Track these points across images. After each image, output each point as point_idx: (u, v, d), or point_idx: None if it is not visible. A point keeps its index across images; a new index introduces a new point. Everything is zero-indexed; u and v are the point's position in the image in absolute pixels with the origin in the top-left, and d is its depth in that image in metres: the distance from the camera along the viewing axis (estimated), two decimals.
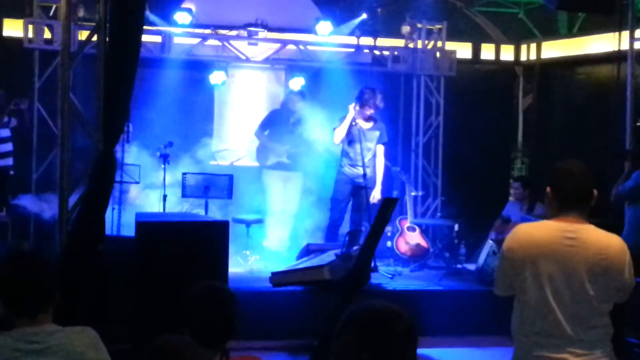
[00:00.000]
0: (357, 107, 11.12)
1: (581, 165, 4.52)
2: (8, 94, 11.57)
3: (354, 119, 11.07)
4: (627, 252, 4.41)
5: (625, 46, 11.51)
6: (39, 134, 12.09)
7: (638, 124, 11.17)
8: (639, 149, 10.08)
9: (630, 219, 9.30)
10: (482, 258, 11.12)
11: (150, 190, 11.95)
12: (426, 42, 13.73)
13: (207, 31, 13.14)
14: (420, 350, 2.78)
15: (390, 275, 10.71)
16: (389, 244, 12.46)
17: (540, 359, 4.35)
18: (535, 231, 4.50)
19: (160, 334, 3.26)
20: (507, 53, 15.02)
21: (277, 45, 13.30)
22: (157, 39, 12.69)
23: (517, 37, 15.01)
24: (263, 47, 13.36)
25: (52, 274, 4.09)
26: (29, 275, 4.00)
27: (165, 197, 11.25)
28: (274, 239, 12.45)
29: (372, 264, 10.31)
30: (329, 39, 13.14)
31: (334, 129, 11.32)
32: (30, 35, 11.77)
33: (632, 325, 8.85)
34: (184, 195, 11.60)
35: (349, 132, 11.15)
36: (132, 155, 11.54)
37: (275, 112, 12.96)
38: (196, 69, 13.16)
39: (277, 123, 12.57)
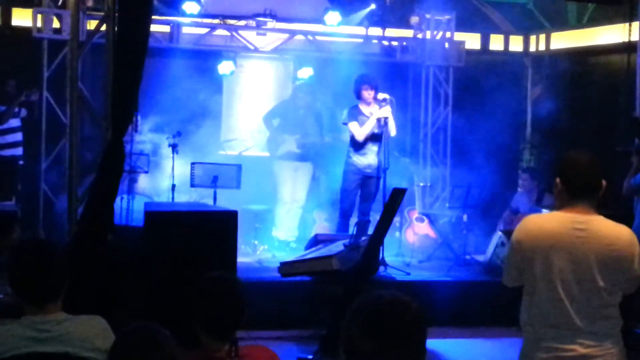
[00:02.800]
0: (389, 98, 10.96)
1: (590, 155, 4.51)
2: (18, 84, 11.59)
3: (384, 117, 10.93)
4: (636, 244, 4.40)
5: (635, 37, 11.47)
6: (48, 123, 12.10)
7: (636, 115, 11.09)
8: None
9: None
10: (490, 249, 11.12)
11: (159, 180, 11.96)
12: (435, 32, 13.71)
13: (216, 21, 13.14)
14: (428, 342, 2.78)
15: (406, 273, 10.61)
16: (397, 234, 12.46)
17: (550, 350, 4.35)
18: (545, 222, 4.49)
19: (170, 322, 3.27)
20: (516, 44, 15.00)
21: (286, 36, 13.30)
22: (166, 28, 12.70)
23: (526, 28, 14.97)
24: (271, 37, 13.35)
25: (61, 262, 4.12)
26: (38, 264, 4.02)
27: (174, 186, 11.26)
28: (282, 229, 12.46)
29: (381, 260, 10.32)
30: (337, 29, 13.13)
31: (345, 123, 11.18)
32: (39, 24, 11.77)
33: None
34: (192, 185, 11.60)
35: (375, 126, 11.01)
36: (141, 144, 11.55)
37: (285, 103, 12.96)
38: (205, 58, 13.16)
39: (287, 114, 12.57)
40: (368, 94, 10.99)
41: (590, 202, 4.43)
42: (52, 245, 4.24)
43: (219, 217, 8.82)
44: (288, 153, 12.38)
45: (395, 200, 9.16)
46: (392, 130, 11.00)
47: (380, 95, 10.91)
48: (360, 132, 11.00)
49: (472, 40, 14.44)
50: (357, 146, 11.20)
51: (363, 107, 11.06)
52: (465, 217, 12.20)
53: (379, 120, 10.89)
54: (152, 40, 9.79)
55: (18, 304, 4.09)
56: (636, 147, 9.89)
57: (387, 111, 10.84)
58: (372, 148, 11.09)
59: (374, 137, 11.06)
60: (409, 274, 10.57)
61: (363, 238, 9.79)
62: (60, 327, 4.00)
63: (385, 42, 13.83)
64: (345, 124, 11.18)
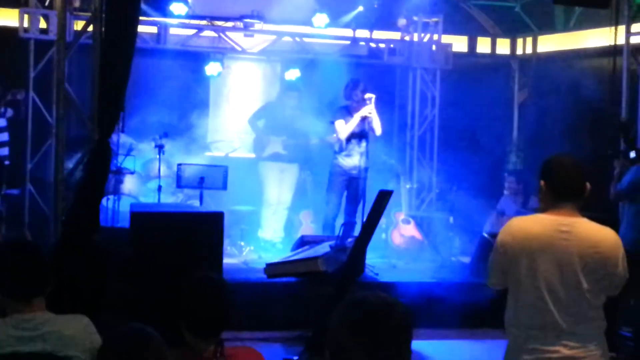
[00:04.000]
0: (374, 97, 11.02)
1: (574, 158, 4.55)
2: (4, 84, 11.56)
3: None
4: (620, 246, 4.43)
5: (621, 40, 11.50)
6: (34, 123, 12.05)
7: (622, 120, 11.11)
8: (629, 144, 10.02)
9: (628, 216, 9.25)
10: (475, 250, 11.14)
11: (145, 181, 11.94)
12: (422, 35, 13.73)
13: (203, 22, 13.13)
14: (414, 343, 2.79)
15: (375, 274, 10.63)
16: (383, 236, 12.48)
17: (534, 352, 4.36)
18: (529, 224, 4.51)
19: (156, 323, 3.27)
20: (503, 47, 15.04)
21: (273, 37, 13.30)
22: (153, 29, 12.68)
23: (514, 31, 15.00)
24: (259, 39, 13.35)
25: (44, 259, 4.14)
26: (21, 260, 4.05)
27: (160, 187, 11.24)
28: (268, 230, 12.46)
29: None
30: (325, 31, 13.14)
31: (332, 122, 11.26)
32: (25, 24, 11.75)
33: (625, 318, 8.89)
34: (178, 186, 11.59)
35: (357, 125, 11.06)
36: (127, 145, 11.53)
37: (271, 104, 12.96)
38: (192, 60, 13.15)
39: (273, 115, 12.57)
40: (357, 95, 11.06)
41: (574, 204, 4.46)
42: (34, 244, 4.28)
43: (205, 218, 8.81)
44: (274, 154, 12.38)
45: (382, 202, 9.17)
46: (377, 129, 11.05)
47: (366, 95, 10.97)
48: (343, 129, 11.07)
49: (459, 43, 14.47)
50: (343, 147, 11.22)
51: (352, 108, 11.10)
52: (451, 219, 12.23)
53: (362, 119, 10.94)
54: (139, 40, 9.78)
55: (2, 305, 4.10)
56: (622, 151, 9.90)
57: (368, 109, 10.90)
58: (358, 149, 11.11)
59: (360, 138, 11.09)
60: (377, 274, 10.58)
61: (349, 239, 9.80)
62: (44, 326, 4.01)
63: (373, 44, 13.84)
64: (332, 122, 11.22)
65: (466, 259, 11.75)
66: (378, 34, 13.91)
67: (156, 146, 11.52)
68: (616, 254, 4.39)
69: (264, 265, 9.82)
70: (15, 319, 4.00)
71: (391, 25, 13.92)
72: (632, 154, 9.51)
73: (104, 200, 9.30)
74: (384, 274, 10.67)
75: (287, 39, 13.34)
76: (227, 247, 11.04)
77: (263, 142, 12.43)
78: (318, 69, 13.09)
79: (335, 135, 11.31)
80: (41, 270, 4.11)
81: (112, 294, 8.15)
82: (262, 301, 9.50)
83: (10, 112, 11.64)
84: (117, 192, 10.96)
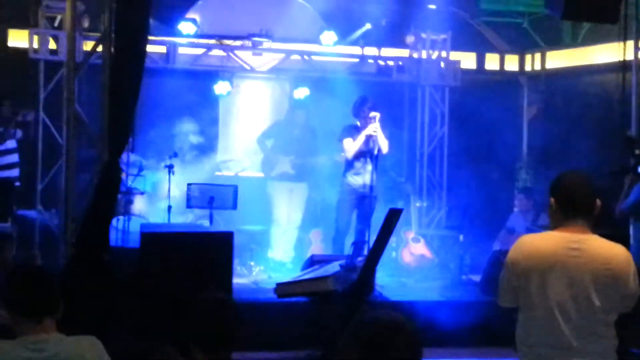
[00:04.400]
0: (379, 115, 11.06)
1: (584, 175, 4.55)
2: (14, 105, 11.59)
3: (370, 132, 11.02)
4: (632, 262, 4.41)
5: (630, 56, 11.50)
6: (44, 144, 12.07)
7: (628, 134, 11.05)
8: (637, 159, 9.96)
9: (636, 233, 9.20)
10: (486, 268, 11.10)
11: (155, 201, 11.95)
12: (430, 52, 13.74)
13: (212, 41, 13.16)
14: None
15: (381, 286, 10.61)
16: (393, 254, 12.45)
17: None
18: (540, 242, 4.50)
19: (165, 343, 3.26)
20: (512, 63, 15.04)
21: (282, 56, 13.32)
22: (162, 49, 12.70)
23: (522, 47, 15.01)
24: (267, 57, 13.37)
25: (54, 286, 4.16)
26: (32, 282, 4.07)
27: (170, 207, 11.25)
28: (278, 249, 12.45)
29: None
30: (333, 49, 13.16)
31: (340, 140, 11.28)
32: (35, 45, 11.78)
33: (636, 336, 8.83)
34: (188, 206, 11.60)
35: (364, 144, 11.09)
36: (137, 164, 11.55)
37: (279, 123, 12.97)
38: (201, 79, 13.17)
39: (281, 134, 12.58)
40: (364, 112, 11.08)
41: (585, 221, 4.44)
42: (42, 268, 4.34)
43: (215, 238, 8.82)
44: (283, 174, 12.38)
45: (392, 221, 9.16)
46: (384, 147, 11.05)
47: (371, 114, 11.00)
48: (350, 148, 11.10)
49: (467, 60, 14.47)
50: (352, 166, 11.24)
51: (360, 126, 11.13)
52: (461, 237, 12.19)
53: (368, 138, 10.96)
54: (148, 60, 9.79)
55: (12, 327, 4.11)
56: (631, 166, 9.85)
57: (373, 127, 10.91)
58: (367, 167, 11.12)
59: (368, 156, 11.09)
60: (382, 286, 10.56)
61: (359, 258, 9.78)
62: (55, 347, 4.02)
63: (381, 62, 13.85)
64: (340, 140, 11.24)
65: (476, 277, 11.71)
66: (386, 52, 13.92)
67: (166, 166, 11.54)
68: (628, 270, 4.37)
69: (274, 285, 9.80)
70: (25, 340, 4.01)
71: (399, 43, 13.93)
72: None
73: (114, 221, 9.29)
74: (394, 293, 10.63)
75: (295, 57, 13.36)
76: (237, 267, 11.02)
77: (272, 162, 12.43)
78: (327, 87, 13.09)
79: (343, 154, 11.32)
80: (50, 291, 4.13)
81: (122, 313, 8.16)
82: (272, 321, 9.46)
83: (19, 134, 11.67)
84: (127, 212, 10.96)
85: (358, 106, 11.22)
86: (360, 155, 11.17)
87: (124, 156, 8.80)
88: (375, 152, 11.02)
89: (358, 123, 11.21)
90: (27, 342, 4.00)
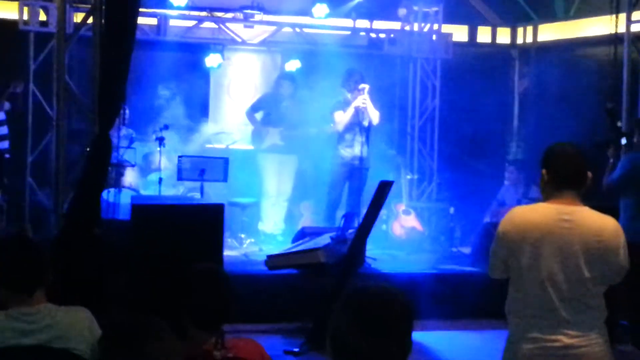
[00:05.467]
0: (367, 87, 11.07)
1: (575, 147, 4.55)
2: (3, 77, 11.54)
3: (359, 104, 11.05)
4: (622, 234, 4.42)
5: (622, 28, 11.48)
6: (34, 116, 12.03)
7: (608, 106, 10.91)
8: (617, 132, 9.88)
9: (625, 207, 9.18)
10: (476, 241, 11.13)
11: (146, 173, 11.93)
12: (422, 24, 13.70)
13: (203, 13, 13.11)
14: (415, 334, 2.78)
15: (373, 259, 10.64)
16: (384, 227, 12.47)
17: (535, 341, 4.36)
18: (531, 213, 4.51)
19: (157, 315, 3.26)
20: (504, 36, 15.00)
21: (273, 28, 13.27)
22: (153, 21, 12.66)
23: (514, 20, 14.97)
24: (259, 30, 13.33)
25: (42, 254, 4.15)
26: (19, 253, 4.06)
27: (160, 180, 11.24)
28: (269, 222, 12.45)
29: None
30: (325, 21, 13.12)
31: (332, 113, 11.31)
32: (25, 17, 11.72)
33: (624, 308, 8.87)
34: (179, 179, 11.59)
35: (353, 116, 11.11)
36: (128, 137, 11.52)
37: (268, 96, 12.90)
38: (192, 51, 13.12)
39: (270, 106, 12.53)
40: (355, 86, 11.10)
41: (576, 193, 4.45)
42: (31, 238, 4.32)
43: (206, 210, 8.83)
44: (272, 146, 12.35)
45: (382, 193, 9.17)
46: (374, 118, 11.10)
47: (360, 86, 11.02)
48: (340, 120, 11.14)
49: (459, 33, 14.44)
50: (343, 138, 11.27)
51: (350, 96, 11.15)
52: (452, 210, 12.22)
53: (357, 110, 10.98)
54: (139, 32, 9.76)
55: (3, 298, 4.10)
56: (613, 140, 9.78)
57: (362, 99, 10.94)
58: (358, 139, 11.14)
59: (359, 128, 11.10)
60: (375, 259, 10.60)
61: (350, 231, 9.80)
62: (46, 319, 4.02)
63: (373, 35, 13.83)
64: (331, 113, 11.27)
65: (467, 250, 11.75)
66: (378, 24, 13.88)
67: (156, 139, 11.52)
68: (618, 242, 4.38)
69: (265, 258, 9.82)
70: (16, 311, 4.00)
71: (391, 15, 13.88)
72: (624, 141, 9.42)
73: (104, 193, 9.29)
74: (385, 265, 10.68)
75: (287, 29, 13.32)
76: (228, 240, 11.04)
77: (261, 134, 12.40)
78: (318, 59, 13.05)
79: (332, 125, 11.33)
80: (40, 262, 4.11)
81: (113, 286, 8.16)
82: (263, 293, 9.50)
83: (7, 106, 11.61)
84: (117, 184, 10.92)
85: (346, 79, 11.27)
86: (351, 127, 11.20)
87: (114, 128, 8.78)
88: (366, 123, 11.05)
89: (348, 95, 11.22)
90: (17, 314, 3.99)
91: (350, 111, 11.06)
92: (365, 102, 10.97)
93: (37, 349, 3.96)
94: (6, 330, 3.95)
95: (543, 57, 14.46)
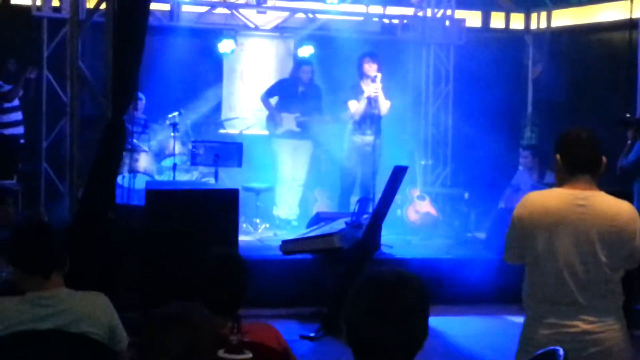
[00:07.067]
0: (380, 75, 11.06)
1: (589, 132, 4.53)
2: (18, 63, 11.56)
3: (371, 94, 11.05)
4: (637, 219, 4.40)
5: (637, 14, 11.44)
6: (48, 102, 12.06)
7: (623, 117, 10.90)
8: None
9: (639, 191, 9.17)
10: (491, 226, 11.13)
11: (160, 158, 11.95)
12: (435, 10, 13.67)
13: None
14: (430, 319, 2.79)
15: (389, 247, 10.66)
16: (398, 212, 12.48)
17: (552, 327, 4.35)
18: (546, 198, 4.49)
19: (171, 300, 3.27)
20: (517, 21, 14.95)
21: (286, 14, 13.26)
22: (166, 6, 12.65)
23: (527, 6, 14.91)
24: (272, 16, 13.32)
25: (57, 238, 4.17)
26: (36, 236, 4.09)
27: (175, 165, 11.26)
28: (283, 207, 12.45)
29: None
30: (338, 7, 13.10)
31: (345, 101, 11.31)
32: (38, 3, 11.71)
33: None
34: (193, 164, 11.61)
35: (367, 105, 11.11)
36: (142, 123, 11.55)
37: (284, 81, 12.87)
38: (205, 37, 13.13)
39: (286, 92, 12.51)
40: (369, 66, 11.09)
41: (590, 178, 4.44)
42: (46, 223, 4.34)
43: (220, 195, 8.83)
44: (287, 132, 12.33)
45: (397, 178, 9.17)
46: (383, 108, 11.09)
47: (372, 73, 11.01)
48: (354, 110, 11.15)
49: (473, 18, 14.40)
50: (357, 125, 11.27)
51: (364, 86, 11.13)
52: (466, 195, 12.21)
53: (370, 99, 10.99)
54: (152, 18, 9.77)
55: (19, 283, 4.12)
56: (635, 121, 9.76)
57: (374, 88, 10.93)
58: (372, 127, 11.14)
59: (372, 117, 11.11)
60: (391, 247, 10.61)
61: (364, 216, 9.80)
62: (62, 303, 4.03)
63: (386, 20, 13.79)
64: (345, 101, 11.27)
65: (482, 235, 11.74)
66: (391, 10, 13.85)
67: (170, 124, 11.54)
68: (634, 226, 4.37)
69: (280, 243, 9.83)
70: (33, 296, 4.02)
71: (404, 1, 13.85)
72: None
73: (119, 178, 9.31)
74: (399, 251, 10.68)
75: (300, 15, 13.31)
76: (243, 225, 11.06)
77: (276, 120, 12.38)
78: (331, 45, 13.04)
79: (348, 112, 11.33)
80: (55, 245, 4.13)
81: (128, 271, 8.19)
82: (278, 278, 9.51)
83: (20, 92, 11.64)
84: (132, 170, 10.95)
85: (360, 61, 11.26)
86: (364, 115, 11.19)
87: (128, 114, 8.80)
88: (377, 112, 11.05)
89: (362, 84, 11.23)
90: (34, 298, 4.01)
91: (364, 102, 11.06)
92: (377, 92, 10.97)
93: (54, 333, 3.98)
94: (23, 314, 3.97)
95: (557, 42, 14.42)
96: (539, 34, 14.82)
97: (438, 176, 13.74)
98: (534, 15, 14.84)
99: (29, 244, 4.08)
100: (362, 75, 11.25)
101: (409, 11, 13.85)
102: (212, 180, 11.47)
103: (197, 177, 12.01)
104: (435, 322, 8.58)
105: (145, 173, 11.31)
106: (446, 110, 13.88)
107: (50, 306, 4.01)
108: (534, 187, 11.08)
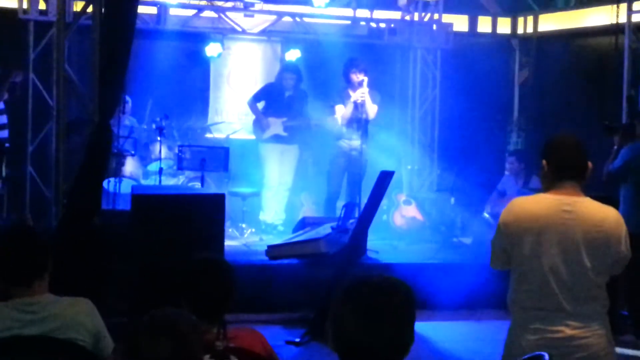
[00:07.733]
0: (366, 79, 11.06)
1: (575, 137, 4.55)
2: (4, 66, 11.52)
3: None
4: (623, 224, 4.41)
5: (623, 19, 11.47)
6: (34, 106, 12.01)
7: (628, 94, 11.04)
8: (631, 121, 9.90)
9: (624, 197, 9.17)
10: (477, 231, 11.13)
11: (146, 163, 11.92)
12: (423, 14, 13.68)
13: (203, 2, 13.07)
14: (415, 324, 2.78)
15: (375, 252, 10.65)
16: (384, 217, 12.47)
17: (537, 332, 4.36)
18: (531, 204, 4.50)
19: (157, 306, 3.26)
20: (504, 26, 14.97)
21: (273, 17, 13.26)
22: (153, 10, 12.63)
23: (514, 10, 14.94)
24: (259, 19, 13.30)
25: (41, 245, 4.14)
26: (19, 243, 4.05)
27: (161, 169, 11.24)
28: (269, 212, 12.44)
29: None
30: (325, 10, 13.11)
31: (332, 105, 11.31)
32: (24, 6, 11.70)
33: (625, 298, 8.89)
34: (179, 168, 11.59)
35: (354, 109, 11.12)
36: (128, 127, 11.52)
37: (270, 86, 12.85)
38: (192, 40, 13.11)
39: (273, 96, 12.49)
40: (356, 77, 11.11)
41: (576, 183, 4.44)
42: (31, 227, 4.30)
43: (206, 200, 8.80)
44: (274, 136, 12.30)
45: (383, 183, 9.17)
46: (370, 112, 11.09)
47: (359, 78, 11.03)
48: (341, 114, 11.16)
49: (460, 22, 14.41)
50: (344, 129, 11.28)
51: (351, 91, 11.14)
52: (452, 200, 12.21)
53: (356, 103, 11.00)
54: (138, 21, 9.75)
55: (4, 288, 4.10)
56: (624, 125, 9.78)
57: (360, 93, 10.94)
58: (358, 132, 11.15)
59: (358, 121, 11.12)
60: (377, 252, 10.60)
61: (351, 221, 9.79)
62: (47, 309, 4.01)
63: (373, 24, 13.80)
64: (332, 106, 11.27)
65: (468, 240, 11.75)
66: (378, 14, 13.85)
67: (157, 128, 11.51)
68: (619, 232, 4.37)
69: (266, 247, 9.82)
70: (17, 302, 4.00)
71: (392, 5, 13.87)
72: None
73: (105, 183, 9.28)
74: (386, 256, 10.67)
75: (287, 19, 13.30)
76: (229, 229, 11.03)
77: (263, 124, 12.37)
78: (319, 49, 13.04)
79: (334, 116, 11.33)
80: (39, 253, 4.10)
81: (113, 276, 8.16)
82: (264, 283, 9.49)
83: (5, 95, 11.59)
84: (118, 174, 10.93)
85: (346, 70, 11.27)
86: (351, 120, 11.20)
87: (115, 118, 8.78)
88: (364, 116, 11.05)
89: (349, 90, 11.24)
90: (20, 304, 3.99)
91: (350, 106, 11.08)
92: (363, 96, 10.98)
93: (40, 339, 3.96)
94: (7, 321, 3.95)
95: (544, 47, 14.44)
96: (525, 39, 14.85)
97: (424, 181, 13.74)
98: (520, 20, 14.87)
99: (12, 257, 4.05)
100: (348, 82, 11.26)
101: (396, 15, 13.86)
102: (198, 185, 11.45)
103: (184, 181, 11.99)
104: (422, 327, 8.62)
105: (131, 177, 11.28)
106: (433, 114, 13.89)
107: (36, 312, 3.99)
108: (520, 193, 11.11)
